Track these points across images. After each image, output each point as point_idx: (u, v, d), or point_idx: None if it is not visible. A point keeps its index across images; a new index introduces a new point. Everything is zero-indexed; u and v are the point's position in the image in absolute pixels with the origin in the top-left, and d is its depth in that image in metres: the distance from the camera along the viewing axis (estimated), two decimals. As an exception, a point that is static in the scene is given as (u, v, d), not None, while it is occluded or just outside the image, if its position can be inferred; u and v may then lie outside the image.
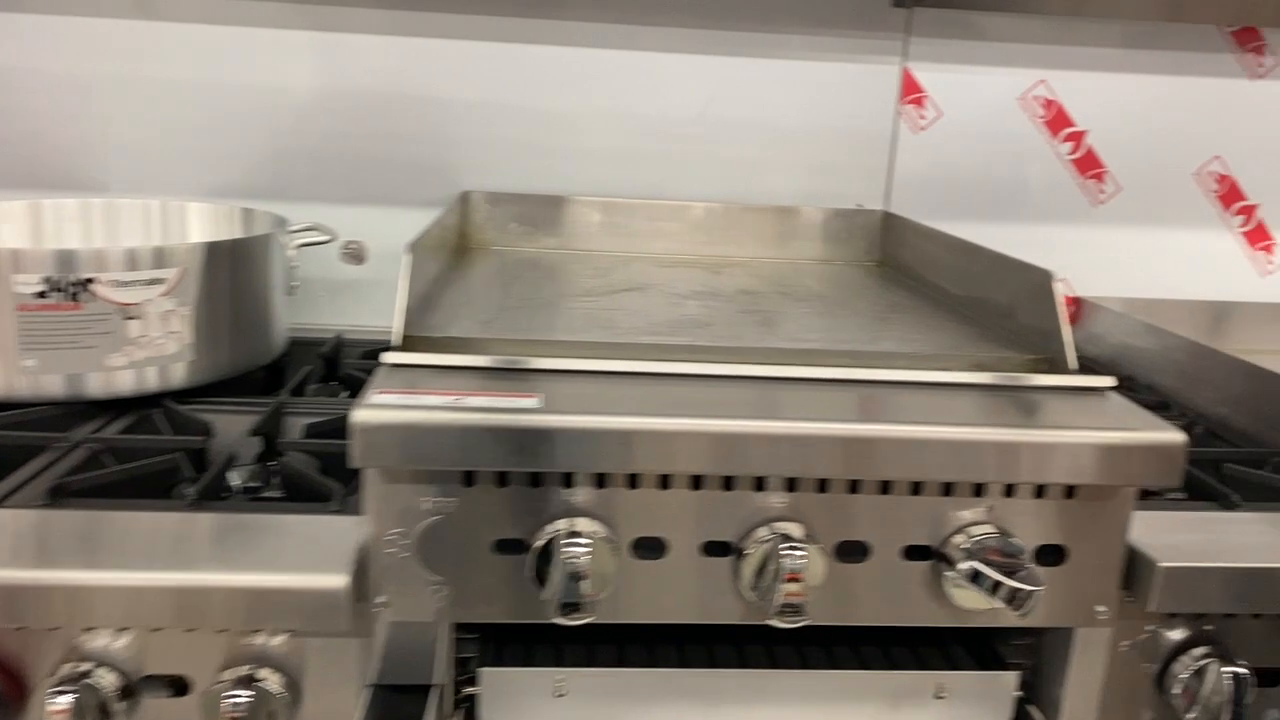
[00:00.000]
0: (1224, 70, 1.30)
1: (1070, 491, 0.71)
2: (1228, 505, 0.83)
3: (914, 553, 0.72)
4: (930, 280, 1.13)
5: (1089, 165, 1.31)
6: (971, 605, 0.71)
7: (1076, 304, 1.35)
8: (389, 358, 0.73)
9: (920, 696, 0.78)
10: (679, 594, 0.71)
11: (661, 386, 0.73)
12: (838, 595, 0.72)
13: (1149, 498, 0.92)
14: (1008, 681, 0.78)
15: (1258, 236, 1.37)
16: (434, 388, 0.69)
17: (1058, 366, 0.81)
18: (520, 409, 0.65)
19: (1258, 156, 1.33)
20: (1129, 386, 1.16)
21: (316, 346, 1.13)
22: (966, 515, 0.71)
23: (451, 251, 1.18)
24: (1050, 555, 0.73)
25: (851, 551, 0.72)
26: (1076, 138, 1.30)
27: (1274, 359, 1.35)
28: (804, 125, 1.29)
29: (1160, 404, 1.10)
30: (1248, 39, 1.29)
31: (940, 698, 0.78)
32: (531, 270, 1.13)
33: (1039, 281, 0.85)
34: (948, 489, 0.71)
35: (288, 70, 1.23)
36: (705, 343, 0.83)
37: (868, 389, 0.76)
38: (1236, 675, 0.74)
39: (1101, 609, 0.74)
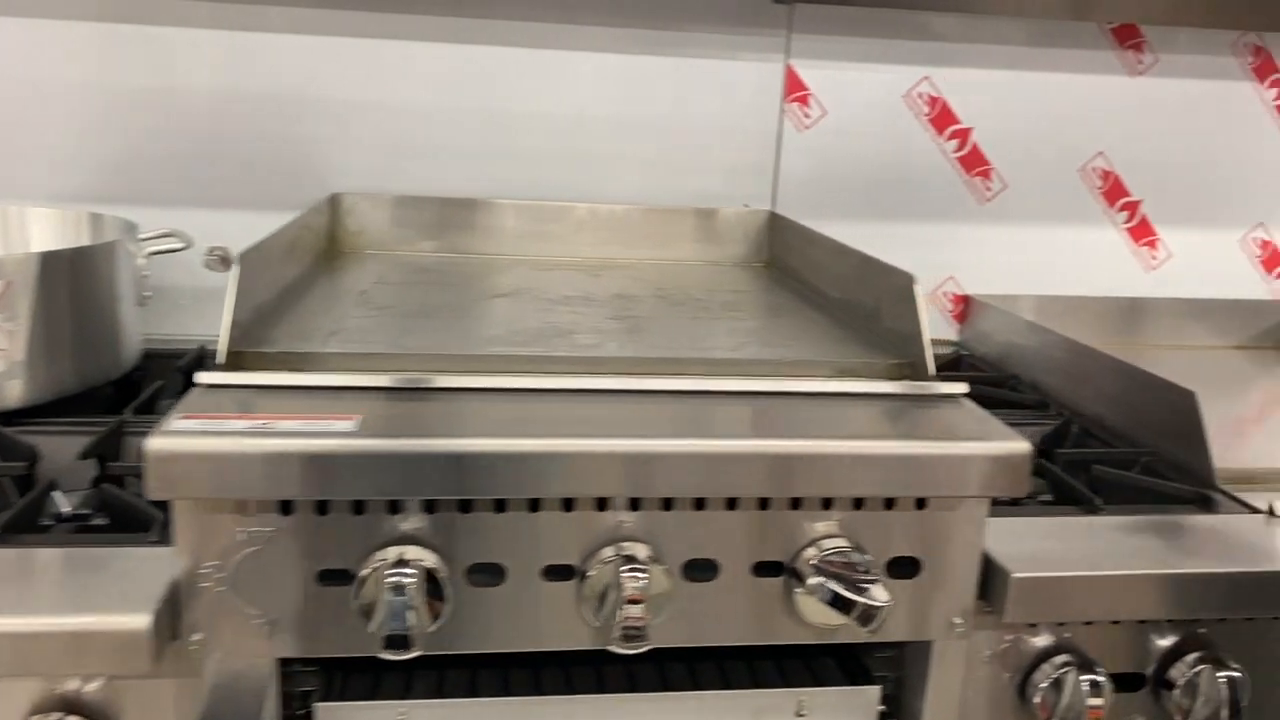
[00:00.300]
0: (1105, 67, 1.31)
1: (921, 502, 0.70)
2: (1091, 510, 0.82)
3: (765, 569, 0.70)
4: (810, 282, 1.11)
5: (975, 163, 1.31)
6: (823, 621, 0.69)
7: (965, 302, 1.34)
8: (203, 377, 0.68)
9: (781, 714, 0.75)
10: (520, 621, 0.68)
11: (500, 402, 0.70)
12: (687, 616, 0.69)
13: (1015, 503, 0.92)
14: (870, 696, 0.76)
15: (1142, 232, 1.37)
16: (253, 410, 0.65)
17: (919, 371, 0.80)
18: (334, 433, 0.61)
19: (1139, 153, 1.34)
20: (1013, 386, 1.16)
21: (175, 359, 1.08)
22: (816, 529, 0.69)
23: (318, 256, 1.13)
24: (904, 567, 0.71)
25: (701, 570, 0.69)
26: (962, 135, 1.30)
27: (1177, 354, 1.37)
28: (688, 124, 1.26)
29: (1040, 403, 1.10)
30: (1127, 36, 1.30)
31: (801, 715, 0.76)
32: (402, 276, 1.09)
33: (902, 285, 0.83)
34: (796, 502, 0.69)
35: (152, 68, 1.16)
36: (561, 353, 0.80)
37: (721, 400, 0.74)
38: (1094, 683, 0.74)
39: (958, 621, 0.72)
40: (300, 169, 1.22)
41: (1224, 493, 0.87)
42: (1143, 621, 0.77)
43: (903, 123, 1.28)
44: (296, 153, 1.22)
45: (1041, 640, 0.77)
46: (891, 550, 0.70)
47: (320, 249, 1.15)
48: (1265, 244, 1.40)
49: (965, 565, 0.71)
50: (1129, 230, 1.37)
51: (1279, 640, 0.78)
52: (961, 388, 0.76)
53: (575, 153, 1.25)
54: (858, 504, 0.69)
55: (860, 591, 0.66)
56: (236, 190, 1.21)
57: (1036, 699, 0.75)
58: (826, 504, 0.69)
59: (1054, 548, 0.75)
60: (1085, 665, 0.75)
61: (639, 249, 1.26)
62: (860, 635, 0.69)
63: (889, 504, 0.69)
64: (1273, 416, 1.14)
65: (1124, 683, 0.78)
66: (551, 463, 0.63)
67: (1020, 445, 0.67)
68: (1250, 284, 1.42)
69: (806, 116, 1.27)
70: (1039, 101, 1.30)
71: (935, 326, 1.35)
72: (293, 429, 0.61)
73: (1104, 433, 1.02)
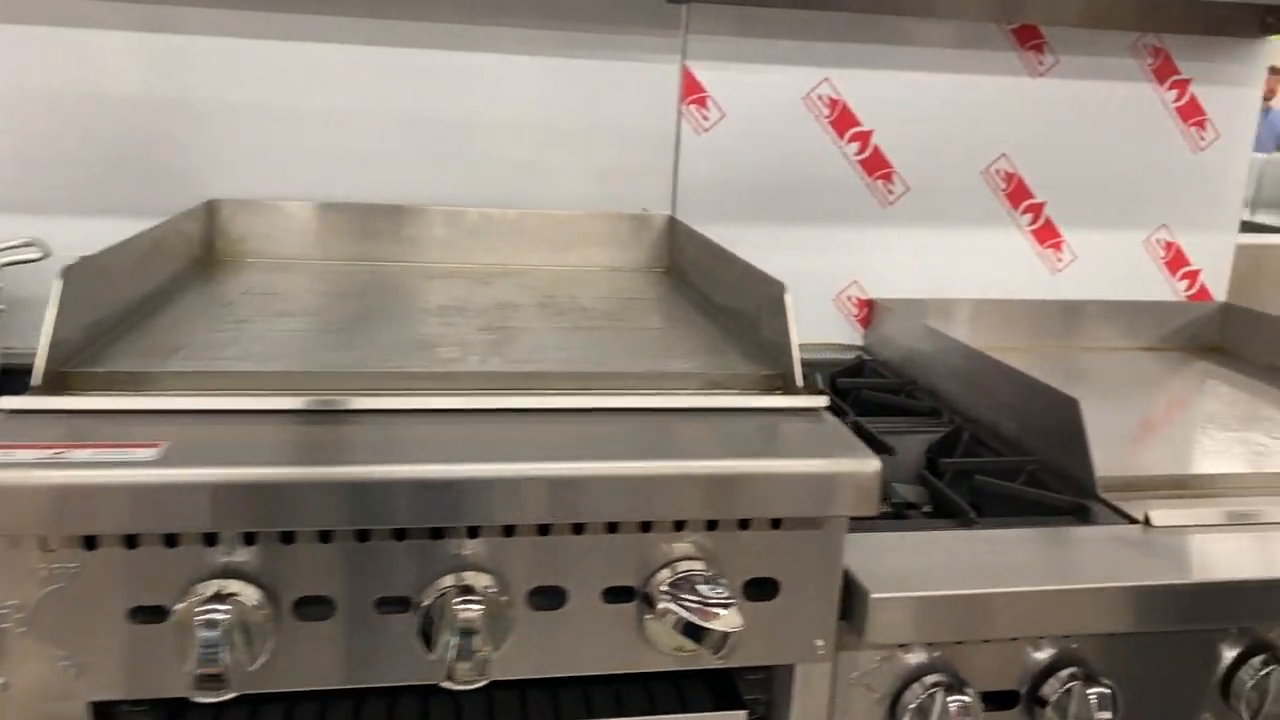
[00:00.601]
0: (1007, 69, 1.30)
1: (777, 522, 0.67)
2: (966, 523, 0.81)
3: (616, 594, 0.67)
4: (702, 289, 1.09)
5: (877, 165, 1.29)
6: (674, 647, 0.66)
7: (869, 306, 1.32)
8: (6, 403, 0.63)
9: (645, 742, 0.73)
10: (354, 656, 0.64)
11: (332, 424, 0.66)
12: (533, 646, 0.66)
13: (897, 516, 0.90)
14: (736, 721, 0.74)
15: (1046, 234, 1.37)
16: (83, 437, 0.60)
17: (789, 383, 0.77)
18: (131, 462, 0.57)
19: (1042, 154, 1.33)
20: (910, 393, 1.14)
21: (35, 375, 1.02)
22: (669, 551, 0.66)
23: (192, 265, 1.09)
24: (762, 589, 0.68)
25: (547, 597, 0.66)
26: (863, 138, 1.28)
27: (1088, 356, 1.36)
28: (585, 126, 1.22)
29: (934, 410, 1.08)
30: (1027, 37, 1.29)
31: (665, 743, 0.73)
32: (274, 286, 1.04)
33: (774, 294, 0.81)
34: (647, 525, 0.66)
35: (16, 67, 1.11)
36: (417, 369, 0.77)
37: (576, 418, 0.70)
38: (962, 705, 0.72)
39: (820, 643, 0.70)
40: (168, 174, 1.16)
41: (1104, 502, 0.85)
42: (1015, 638, 0.75)
43: (803, 125, 1.26)
44: (167, 158, 1.16)
45: (914, 658, 0.74)
46: (749, 571, 0.68)
47: (194, 257, 1.10)
48: (1169, 245, 1.40)
49: (825, 586, 0.69)
50: (1033, 232, 1.36)
51: (1150, 654, 0.77)
52: (822, 401, 0.73)
53: (468, 156, 1.22)
54: (711, 525, 0.66)
55: (710, 617, 0.63)
56: (116, 197, 1.16)
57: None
58: (679, 526, 0.66)
59: (922, 564, 0.73)
60: (955, 686, 0.73)
61: (535, 255, 1.23)
62: (713, 661, 0.66)
63: (744, 524, 0.67)
64: (1166, 421, 1.13)
65: (998, 700, 0.76)
66: (371, 490, 0.59)
67: (869, 463, 0.64)
68: (1155, 286, 1.41)
69: (705, 119, 1.24)
70: (940, 103, 1.29)
71: (840, 331, 1.33)
72: (86, 459, 0.57)
73: (996, 440, 1.01)
